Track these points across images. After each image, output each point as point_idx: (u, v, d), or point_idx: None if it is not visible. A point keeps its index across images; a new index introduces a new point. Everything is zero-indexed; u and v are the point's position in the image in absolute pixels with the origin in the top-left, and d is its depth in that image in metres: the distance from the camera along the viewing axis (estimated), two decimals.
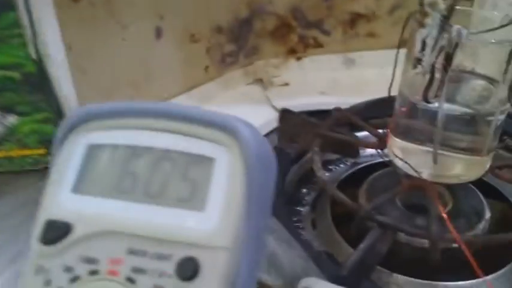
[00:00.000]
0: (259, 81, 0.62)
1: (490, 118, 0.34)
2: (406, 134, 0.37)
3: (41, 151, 0.45)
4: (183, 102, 0.53)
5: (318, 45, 0.63)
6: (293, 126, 0.45)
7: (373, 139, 0.43)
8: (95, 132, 0.22)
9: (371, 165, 0.49)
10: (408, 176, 0.38)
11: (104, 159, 0.21)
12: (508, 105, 0.34)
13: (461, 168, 0.37)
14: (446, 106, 0.32)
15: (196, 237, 0.19)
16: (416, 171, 0.36)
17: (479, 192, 0.41)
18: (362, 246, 0.32)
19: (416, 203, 0.39)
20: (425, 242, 0.36)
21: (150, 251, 0.19)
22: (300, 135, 0.45)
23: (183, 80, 0.54)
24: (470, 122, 0.35)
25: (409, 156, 0.38)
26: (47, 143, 0.45)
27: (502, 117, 0.35)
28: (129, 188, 0.20)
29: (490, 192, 0.43)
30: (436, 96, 0.31)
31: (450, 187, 0.41)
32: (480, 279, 0.33)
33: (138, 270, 0.19)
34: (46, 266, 0.20)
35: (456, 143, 0.36)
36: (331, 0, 0.60)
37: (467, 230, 0.37)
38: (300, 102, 0.56)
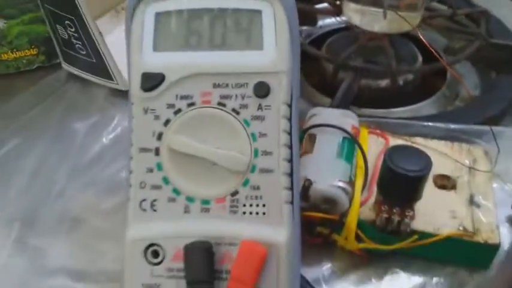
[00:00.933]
0: None
1: None
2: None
3: (33, 51, 0.48)
4: None
5: None
6: None
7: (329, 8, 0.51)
8: (159, 1, 0.27)
9: (319, 36, 0.57)
10: (364, 32, 0.47)
11: (172, 23, 0.27)
12: None
13: (404, 20, 0.47)
14: None
15: (263, 66, 0.26)
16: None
17: (412, 44, 0.52)
18: (343, 86, 0.41)
19: (370, 59, 0.49)
20: (380, 83, 0.47)
21: (231, 82, 0.26)
22: None
23: None
24: None
25: (363, 16, 0.47)
26: (37, 42, 0.48)
27: None
28: (197, 42, 0.27)
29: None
30: None
31: (391, 41, 0.51)
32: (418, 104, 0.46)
33: (225, 97, 0.26)
34: (151, 107, 0.27)
35: (398, 3, 0.46)
36: None
37: None
38: None
